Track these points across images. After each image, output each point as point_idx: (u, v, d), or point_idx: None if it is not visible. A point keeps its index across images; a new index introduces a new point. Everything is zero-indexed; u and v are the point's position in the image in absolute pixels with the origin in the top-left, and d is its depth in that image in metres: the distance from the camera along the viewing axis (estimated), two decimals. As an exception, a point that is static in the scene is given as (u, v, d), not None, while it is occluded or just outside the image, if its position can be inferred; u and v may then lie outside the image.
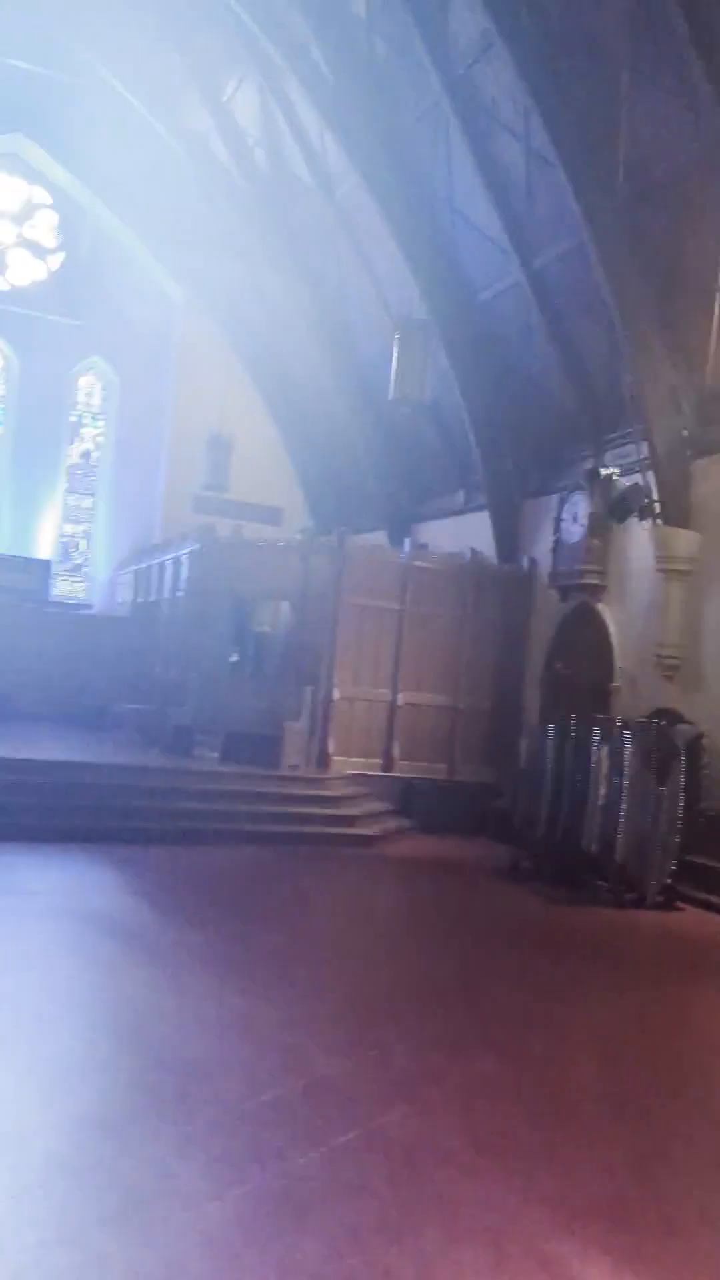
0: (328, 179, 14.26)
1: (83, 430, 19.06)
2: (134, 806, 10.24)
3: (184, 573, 14.00)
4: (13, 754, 10.96)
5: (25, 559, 17.40)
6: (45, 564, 17.52)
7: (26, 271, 18.42)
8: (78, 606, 18.18)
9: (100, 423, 19.14)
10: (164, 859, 8.82)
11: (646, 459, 10.40)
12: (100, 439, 19.14)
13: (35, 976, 5.33)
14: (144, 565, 16.34)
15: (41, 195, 18.43)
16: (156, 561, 15.58)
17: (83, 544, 19.02)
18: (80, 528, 19.03)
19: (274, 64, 13.13)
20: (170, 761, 11.91)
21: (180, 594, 14.05)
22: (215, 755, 12.49)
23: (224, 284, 18.09)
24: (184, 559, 14.07)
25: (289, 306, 16.86)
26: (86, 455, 19.06)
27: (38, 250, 18.50)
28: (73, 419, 18.91)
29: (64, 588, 18.65)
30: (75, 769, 10.70)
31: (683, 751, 9.08)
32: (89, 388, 19.07)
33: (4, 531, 18.15)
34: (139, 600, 16.44)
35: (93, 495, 19.08)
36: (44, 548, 18.32)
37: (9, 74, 15.74)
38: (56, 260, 18.61)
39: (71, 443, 18.93)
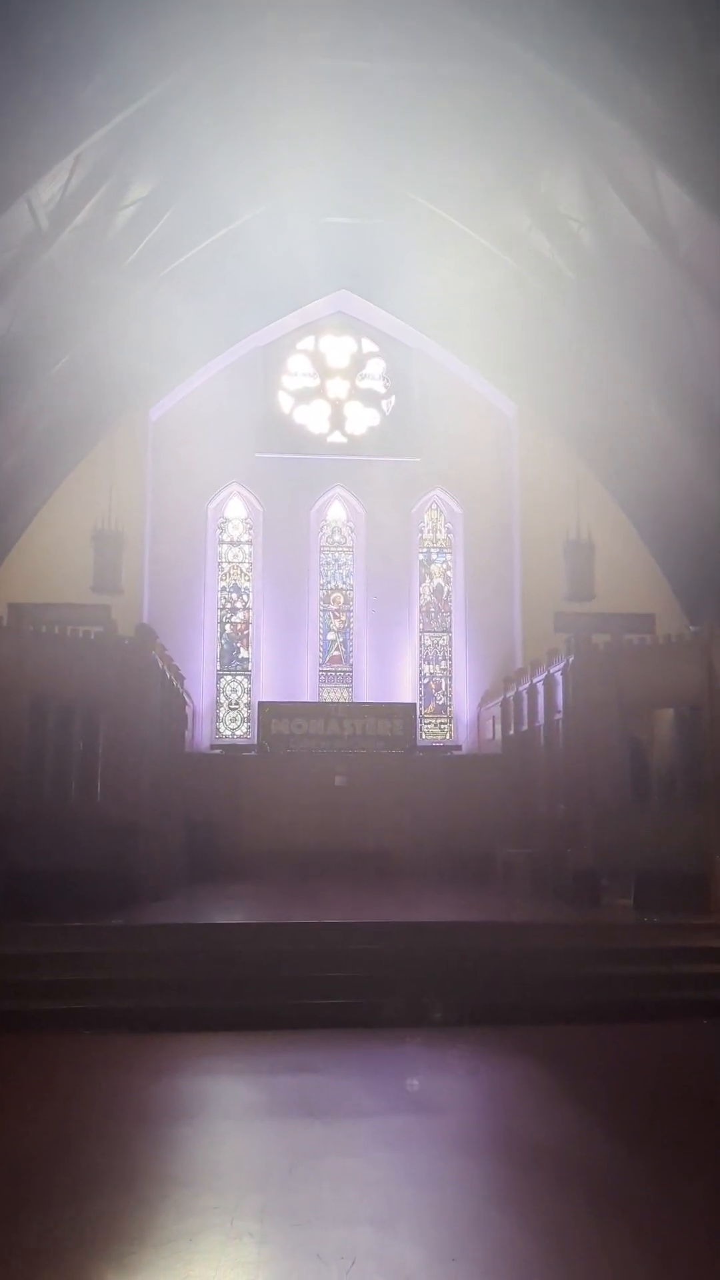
0: (669, 235, 12.72)
1: (431, 567, 18.30)
2: (542, 976, 8.24)
3: (559, 692, 12.24)
4: (392, 917, 9.49)
5: (389, 705, 16.50)
6: (410, 708, 16.50)
7: (362, 420, 18.41)
8: (446, 749, 16.92)
9: (448, 556, 18.31)
10: (597, 1046, 6.71)
11: None
12: (449, 572, 18.26)
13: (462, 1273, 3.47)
14: (511, 694, 14.79)
15: (369, 345, 18.56)
16: (524, 686, 13.98)
17: (444, 683, 17.93)
18: (439, 666, 18.00)
19: (593, 123, 12.00)
20: (575, 915, 9.84)
21: (558, 717, 12.25)
22: (628, 903, 10.31)
23: (559, 386, 16.93)
24: (557, 677, 12.34)
25: (636, 392, 15.25)
26: (438, 591, 18.21)
27: (370, 398, 18.50)
28: (420, 557, 18.24)
29: (430, 731, 17.54)
30: (465, 932, 8.94)
31: None
32: (433, 523, 18.40)
33: (366, 680, 17.54)
34: (509, 733, 14.82)
35: (448, 631, 18.07)
36: (406, 692, 17.42)
37: (331, 234, 16.03)
38: (389, 404, 18.48)
39: (421, 581, 18.20)
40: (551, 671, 12.50)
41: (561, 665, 12.00)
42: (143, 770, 11.01)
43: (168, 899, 10.56)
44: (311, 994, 7.79)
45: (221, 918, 9.33)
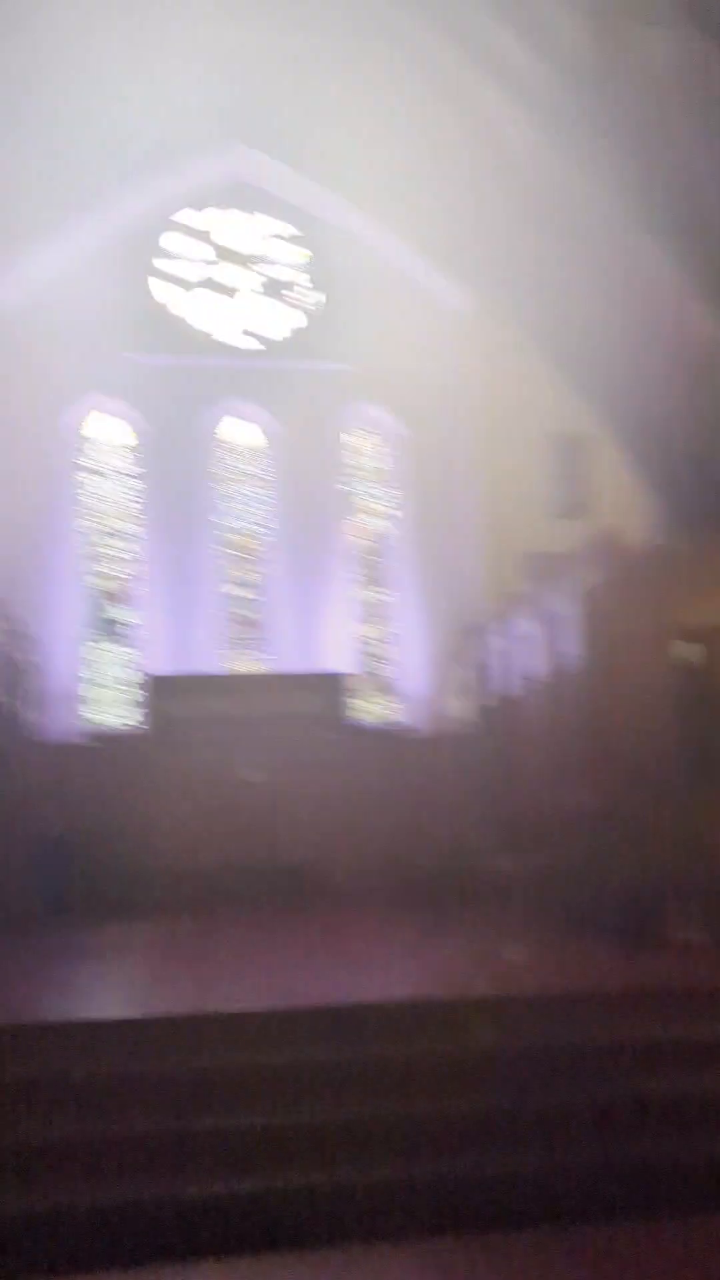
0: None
1: (372, 504, 14.32)
2: (607, 1098, 4.28)
3: (566, 630, 8.35)
4: (326, 996, 5.42)
5: (313, 675, 12.45)
6: (337, 679, 12.38)
7: (275, 316, 14.36)
8: (393, 730, 12.91)
9: (387, 490, 14.34)
10: None
11: None
12: (390, 511, 14.28)
13: None
14: (485, 651, 10.87)
15: (279, 222, 14.55)
16: (509, 637, 10.07)
17: (386, 649, 13.92)
18: (379, 629, 14.00)
19: None
20: (640, 969, 5.87)
21: (568, 667, 8.34)
22: (706, 938, 6.47)
23: (527, 263, 13.10)
24: (563, 612, 8.45)
25: (634, 258, 11.57)
26: (375, 534, 14.21)
27: (285, 288, 14.48)
28: (350, 490, 14.23)
29: (369, 709, 13.51)
30: (453, 1020, 4.88)
31: None
32: (371, 449, 14.42)
33: (285, 650, 13.43)
34: (484, 704, 10.90)
35: (388, 585, 14.08)
36: (337, 663, 13.35)
37: (211, 44, 11.81)
38: (310, 296, 14.47)
39: (353, 522, 14.18)
40: (554, 606, 8.60)
41: (571, 591, 8.10)
42: None
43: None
44: (165, 1175, 3.70)
45: (20, 1010, 5.10)
